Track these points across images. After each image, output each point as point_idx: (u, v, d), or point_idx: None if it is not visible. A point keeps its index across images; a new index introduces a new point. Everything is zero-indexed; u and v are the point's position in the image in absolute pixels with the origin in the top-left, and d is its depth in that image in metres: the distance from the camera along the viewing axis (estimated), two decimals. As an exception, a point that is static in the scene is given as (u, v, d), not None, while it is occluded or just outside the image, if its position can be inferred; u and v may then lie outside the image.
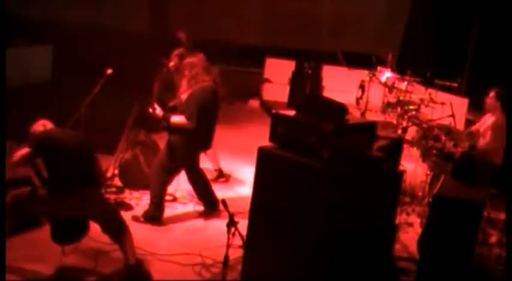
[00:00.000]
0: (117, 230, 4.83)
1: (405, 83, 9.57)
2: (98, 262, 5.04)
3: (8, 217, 4.65)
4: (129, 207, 6.26)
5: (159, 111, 5.93)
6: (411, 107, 8.36)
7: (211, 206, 6.35)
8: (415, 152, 7.22)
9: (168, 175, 6.04)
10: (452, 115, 7.26)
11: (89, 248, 5.12)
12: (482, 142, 6.62)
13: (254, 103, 12.21)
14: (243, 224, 4.59)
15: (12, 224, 4.87)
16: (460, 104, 8.99)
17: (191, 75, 5.98)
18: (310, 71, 11.89)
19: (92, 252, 5.12)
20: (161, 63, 7.37)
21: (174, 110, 5.94)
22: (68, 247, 5.01)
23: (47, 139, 4.75)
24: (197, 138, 5.95)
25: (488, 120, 6.75)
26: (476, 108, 8.55)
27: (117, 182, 6.77)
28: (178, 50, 7.38)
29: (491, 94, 6.73)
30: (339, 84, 11.49)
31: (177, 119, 5.84)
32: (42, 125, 4.85)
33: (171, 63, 7.28)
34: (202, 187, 6.40)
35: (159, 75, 7.47)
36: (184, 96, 5.97)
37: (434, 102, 8.45)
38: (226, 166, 7.88)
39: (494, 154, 6.49)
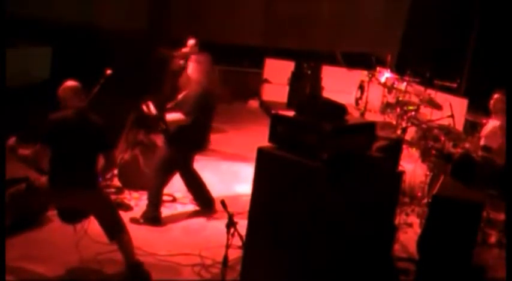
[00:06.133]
0: (115, 228, 4.84)
1: (404, 83, 9.56)
2: (98, 262, 5.03)
3: (7, 213, 4.65)
4: (128, 207, 6.27)
5: (153, 109, 5.93)
6: (410, 107, 8.36)
7: (206, 205, 6.37)
8: (415, 152, 7.21)
9: (165, 175, 6.05)
10: (452, 116, 7.25)
11: (89, 248, 5.12)
12: (484, 142, 6.53)
13: (254, 103, 12.21)
14: (242, 225, 4.59)
15: (12, 221, 4.86)
16: (460, 105, 8.99)
17: (188, 75, 6.01)
18: (309, 72, 11.90)
19: (92, 252, 5.12)
20: (166, 56, 7.18)
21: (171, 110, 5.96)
22: (72, 244, 5.01)
23: (59, 125, 4.74)
24: (193, 139, 5.97)
25: (492, 123, 6.64)
26: (476, 109, 8.53)
27: (117, 182, 6.78)
28: (185, 50, 7.28)
29: (497, 96, 6.52)
30: (339, 84, 11.48)
31: (173, 116, 5.85)
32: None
33: (180, 62, 7.13)
34: (196, 187, 6.42)
35: (169, 75, 7.38)
36: (180, 96, 6.00)
37: (434, 106, 8.42)
38: (226, 166, 7.89)
39: (503, 155, 6.42)
